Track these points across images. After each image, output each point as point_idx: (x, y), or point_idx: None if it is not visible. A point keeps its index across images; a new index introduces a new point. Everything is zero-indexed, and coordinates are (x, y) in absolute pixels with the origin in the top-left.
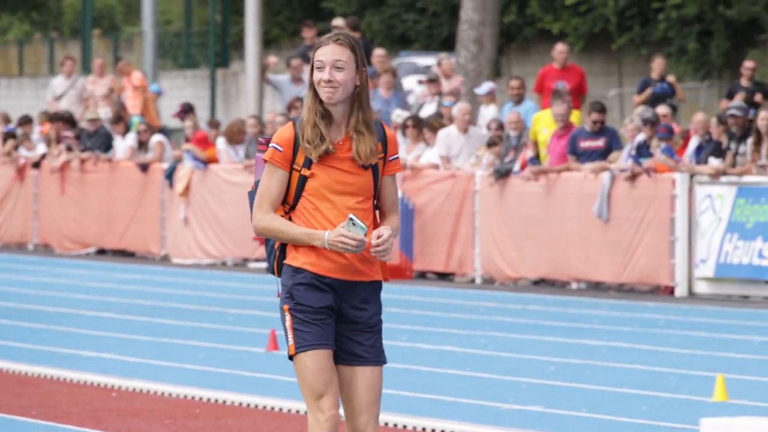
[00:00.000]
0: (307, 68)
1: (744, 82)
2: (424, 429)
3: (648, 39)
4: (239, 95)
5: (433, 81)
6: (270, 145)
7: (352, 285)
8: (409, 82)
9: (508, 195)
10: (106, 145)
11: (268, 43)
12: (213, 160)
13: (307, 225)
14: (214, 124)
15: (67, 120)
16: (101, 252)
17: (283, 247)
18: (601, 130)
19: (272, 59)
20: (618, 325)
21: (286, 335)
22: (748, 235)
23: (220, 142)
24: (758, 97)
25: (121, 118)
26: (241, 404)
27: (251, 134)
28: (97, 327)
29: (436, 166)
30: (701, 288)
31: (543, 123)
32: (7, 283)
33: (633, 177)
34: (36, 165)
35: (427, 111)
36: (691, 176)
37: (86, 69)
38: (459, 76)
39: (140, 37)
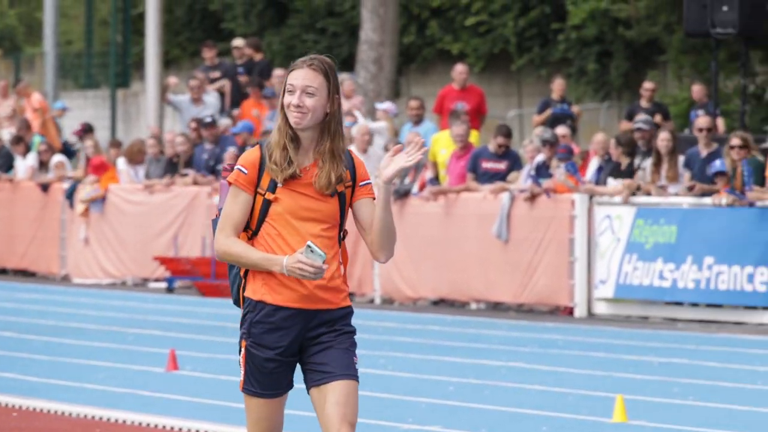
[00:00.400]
0: (209, 87)
1: (644, 103)
2: None
3: (547, 60)
4: (140, 115)
5: None
6: (235, 167)
7: (315, 314)
8: None
9: (407, 215)
10: (7, 165)
11: (168, 63)
12: (113, 180)
13: (269, 251)
14: (115, 143)
15: None
16: (2, 272)
17: (245, 277)
18: (505, 153)
19: (172, 80)
20: (517, 345)
21: (239, 366)
22: (647, 256)
23: (121, 162)
24: (658, 118)
25: (21, 138)
26: (141, 424)
27: (151, 154)
28: None
29: None
30: (600, 309)
31: (442, 144)
32: None
33: (532, 197)
34: None
35: None
36: (590, 197)
37: None
38: (359, 96)
39: (42, 58)
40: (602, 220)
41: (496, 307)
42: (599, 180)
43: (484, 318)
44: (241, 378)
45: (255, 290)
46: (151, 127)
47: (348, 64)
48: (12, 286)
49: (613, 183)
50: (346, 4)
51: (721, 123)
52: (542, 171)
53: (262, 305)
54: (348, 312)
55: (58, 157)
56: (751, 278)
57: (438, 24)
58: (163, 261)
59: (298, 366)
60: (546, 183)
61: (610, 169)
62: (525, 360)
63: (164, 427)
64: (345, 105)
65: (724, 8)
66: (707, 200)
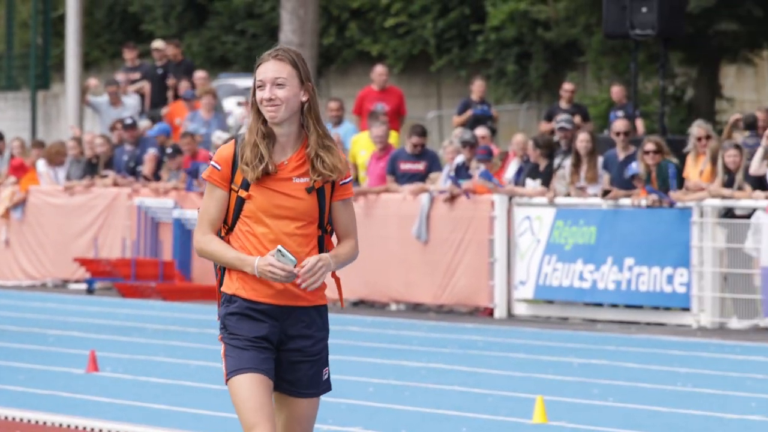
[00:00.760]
0: (129, 89)
1: (563, 104)
2: None
3: (467, 61)
4: (60, 117)
5: None
6: (210, 163)
7: (291, 311)
8: (229, 104)
9: None
10: None
11: (88, 65)
12: (33, 182)
13: (243, 249)
14: (37, 144)
15: None
16: None
17: (224, 271)
18: (421, 153)
19: (92, 81)
20: (437, 346)
21: (222, 364)
22: (567, 257)
23: (41, 164)
24: (577, 120)
25: None
26: (61, 425)
27: (72, 156)
28: None
29: None
30: (520, 310)
31: (361, 145)
32: None
33: (452, 198)
34: None
35: None
36: (510, 198)
37: None
38: None
39: None
40: (522, 221)
41: (416, 308)
42: (519, 181)
43: (404, 319)
44: (224, 372)
45: (230, 285)
46: (73, 128)
47: None
48: None
49: (531, 184)
50: (266, 6)
51: (640, 124)
52: (462, 172)
53: (236, 299)
54: (324, 311)
55: None
56: (670, 279)
57: (357, 25)
58: (83, 262)
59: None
60: (465, 184)
61: (528, 170)
62: (445, 361)
63: (85, 428)
64: None
65: (643, 9)
66: (627, 201)
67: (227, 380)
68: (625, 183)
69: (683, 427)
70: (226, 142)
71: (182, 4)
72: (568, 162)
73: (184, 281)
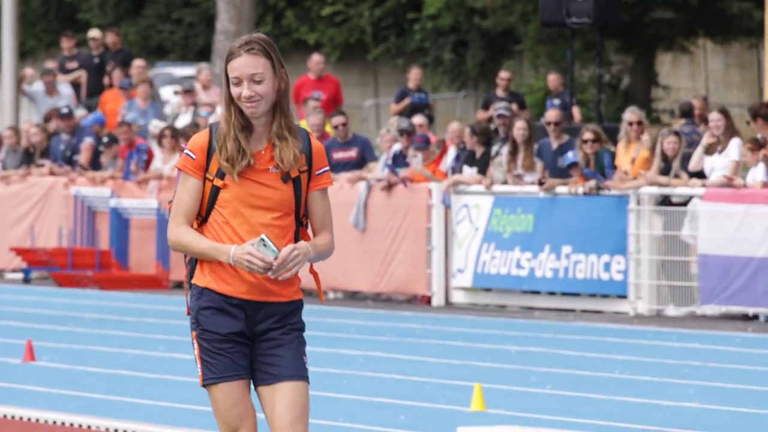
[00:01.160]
0: (62, 78)
1: (500, 92)
2: None
3: (404, 49)
4: None
5: (188, 92)
6: (184, 151)
7: (262, 306)
8: (166, 93)
9: None
10: None
11: (24, 54)
12: None
13: (217, 240)
14: None
15: None
16: None
17: (195, 263)
18: (351, 139)
19: (28, 71)
20: (375, 334)
21: (195, 363)
22: (505, 245)
23: None
24: (514, 107)
25: None
26: None
27: (8, 145)
28: None
29: None
30: (458, 298)
31: None
32: None
33: (389, 187)
34: None
35: (183, 121)
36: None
37: None
38: (216, 87)
39: None
40: (460, 209)
41: (354, 297)
42: (456, 169)
43: (342, 307)
44: (199, 373)
45: (201, 278)
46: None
47: (204, 54)
48: None
49: (468, 171)
50: None
51: (577, 112)
52: (399, 160)
53: (208, 292)
54: (298, 306)
55: None
56: (607, 267)
57: (294, 14)
58: (20, 252)
59: None
60: (403, 172)
61: (464, 157)
62: (383, 349)
63: (21, 418)
64: (203, 97)
65: None
66: (563, 189)
67: (205, 385)
68: (559, 171)
69: (620, 414)
70: (161, 131)
71: None
72: (505, 150)
73: (121, 270)
